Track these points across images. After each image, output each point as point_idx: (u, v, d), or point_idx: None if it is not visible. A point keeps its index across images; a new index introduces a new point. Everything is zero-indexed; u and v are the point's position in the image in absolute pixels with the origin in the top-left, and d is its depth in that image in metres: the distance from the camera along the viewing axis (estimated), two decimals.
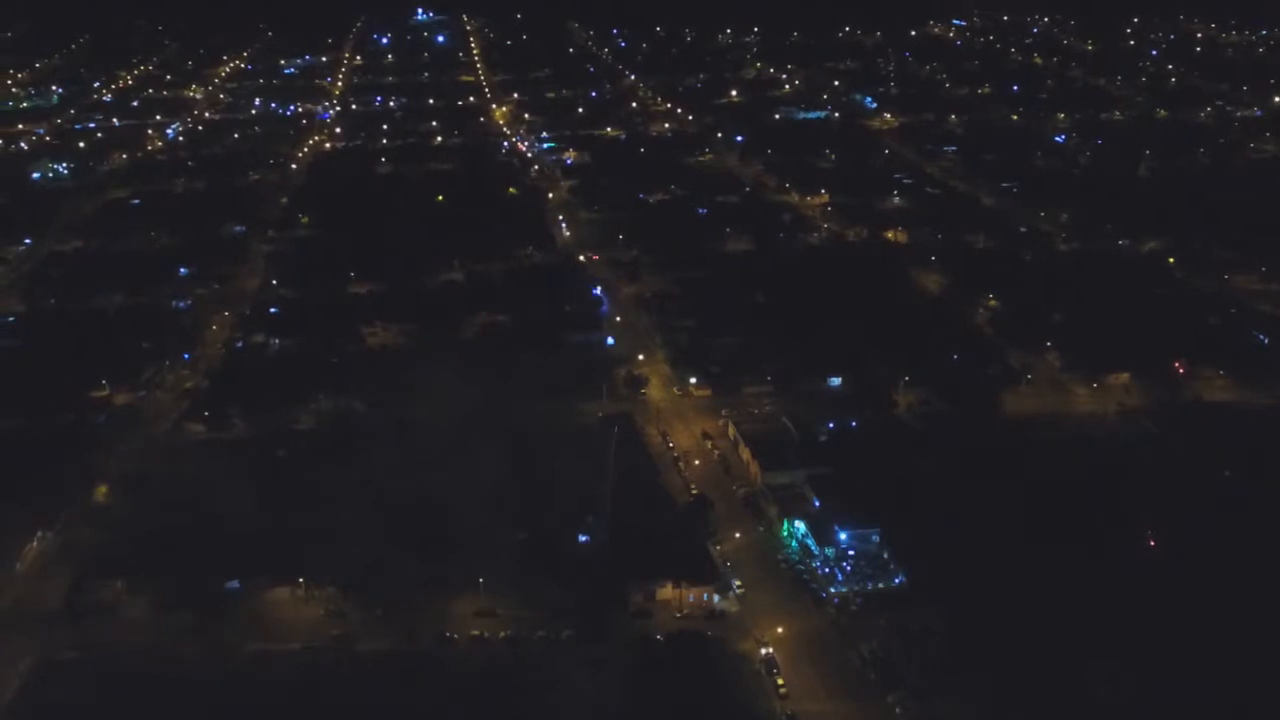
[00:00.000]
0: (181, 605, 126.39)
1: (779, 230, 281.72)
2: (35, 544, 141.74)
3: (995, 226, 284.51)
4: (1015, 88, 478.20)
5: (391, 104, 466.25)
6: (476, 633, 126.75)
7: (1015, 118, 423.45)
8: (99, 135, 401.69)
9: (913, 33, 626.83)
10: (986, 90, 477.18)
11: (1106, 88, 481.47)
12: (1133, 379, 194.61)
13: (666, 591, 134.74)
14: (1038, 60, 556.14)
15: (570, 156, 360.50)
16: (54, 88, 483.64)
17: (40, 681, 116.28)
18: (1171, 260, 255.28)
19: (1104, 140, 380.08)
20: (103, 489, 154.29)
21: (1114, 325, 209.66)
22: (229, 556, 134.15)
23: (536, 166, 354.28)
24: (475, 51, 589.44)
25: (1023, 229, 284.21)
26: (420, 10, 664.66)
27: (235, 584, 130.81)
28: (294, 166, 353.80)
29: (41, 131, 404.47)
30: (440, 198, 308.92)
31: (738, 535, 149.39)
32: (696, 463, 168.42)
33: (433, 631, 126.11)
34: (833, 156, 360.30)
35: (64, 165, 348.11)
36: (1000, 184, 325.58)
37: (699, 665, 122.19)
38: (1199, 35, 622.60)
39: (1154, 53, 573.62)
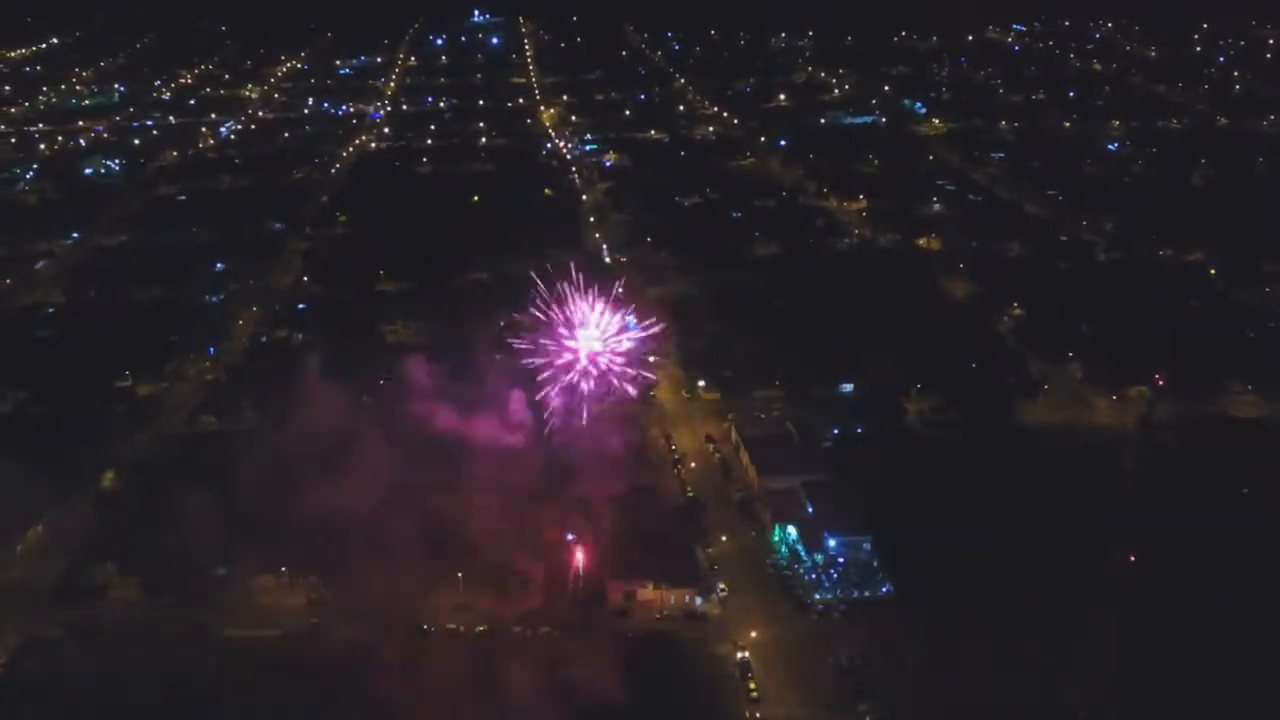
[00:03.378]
0: (169, 590, 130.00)
1: (810, 235, 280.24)
2: (41, 526, 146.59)
3: (1035, 234, 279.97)
4: (1071, 94, 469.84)
5: (442, 105, 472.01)
6: (453, 626, 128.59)
7: (1068, 125, 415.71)
8: (154, 133, 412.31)
9: (970, 38, 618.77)
10: (1041, 96, 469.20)
11: (1166, 95, 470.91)
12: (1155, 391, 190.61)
13: (648, 592, 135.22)
14: (1097, 66, 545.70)
15: (610, 159, 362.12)
16: (116, 86, 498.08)
17: (26, 658, 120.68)
18: (1213, 272, 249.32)
19: (1159, 148, 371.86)
20: (109, 475, 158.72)
21: (1142, 337, 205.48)
22: (222, 544, 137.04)
23: (575, 168, 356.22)
24: (529, 54, 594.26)
25: (1063, 237, 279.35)
26: (476, 12, 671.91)
27: (221, 571, 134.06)
28: (338, 166, 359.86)
29: (100, 129, 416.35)
30: (476, 198, 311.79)
31: (729, 539, 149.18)
32: (693, 465, 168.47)
33: (410, 623, 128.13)
34: (876, 162, 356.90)
35: (116, 161, 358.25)
36: (1046, 191, 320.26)
37: (671, 666, 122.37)
38: (1270, 41, 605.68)
39: (1221, 59, 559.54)
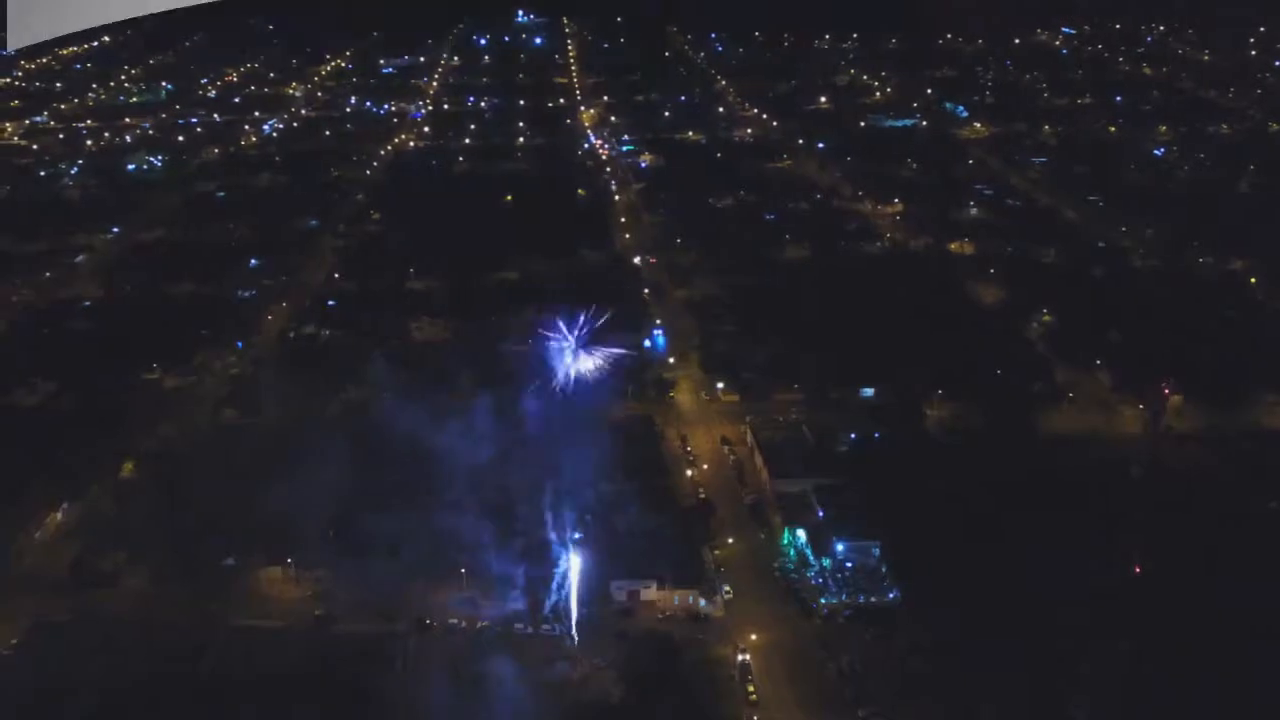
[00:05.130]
0: (177, 579, 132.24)
1: (841, 238, 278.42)
2: (59, 514, 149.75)
3: (1072, 240, 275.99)
4: (1118, 98, 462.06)
5: (483, 104, 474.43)
6: (454, 620, 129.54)
7: (1113, 129, 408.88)
8: (198, 130, 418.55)
9: (1016, 40, 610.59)
10: (1087, 100, 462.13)
11: (1217, 100, 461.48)
12: (1185, 401, 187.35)
13: (651, 592, 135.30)
14: (1146, 70, 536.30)
15: (645, 160, 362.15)
16: (164, 84, 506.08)
17: (34, 640, 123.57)
18: (1253, 281, 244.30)
19: (1206, 154, 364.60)
20: (129, 465, 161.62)
21: (1175, 346, 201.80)
22: (232, 535, 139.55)
23: (610, 169, 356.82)
24: (572, 54, 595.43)
25: (1101, 244, 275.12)
26: (521, 13, 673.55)
27: (231, 561, 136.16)
28: (375, 164, 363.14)
29: (146, 125, 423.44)
30: (509, 197, 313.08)
31: (737, 541, 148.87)
32: (705, 467, 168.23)
33: (413, 617, 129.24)
34: (914, 165, 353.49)
35: (158, 158, 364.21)
36: (1086, 197, 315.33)
37: (671, 667, 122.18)
38: None
39: (1278, 63, 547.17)
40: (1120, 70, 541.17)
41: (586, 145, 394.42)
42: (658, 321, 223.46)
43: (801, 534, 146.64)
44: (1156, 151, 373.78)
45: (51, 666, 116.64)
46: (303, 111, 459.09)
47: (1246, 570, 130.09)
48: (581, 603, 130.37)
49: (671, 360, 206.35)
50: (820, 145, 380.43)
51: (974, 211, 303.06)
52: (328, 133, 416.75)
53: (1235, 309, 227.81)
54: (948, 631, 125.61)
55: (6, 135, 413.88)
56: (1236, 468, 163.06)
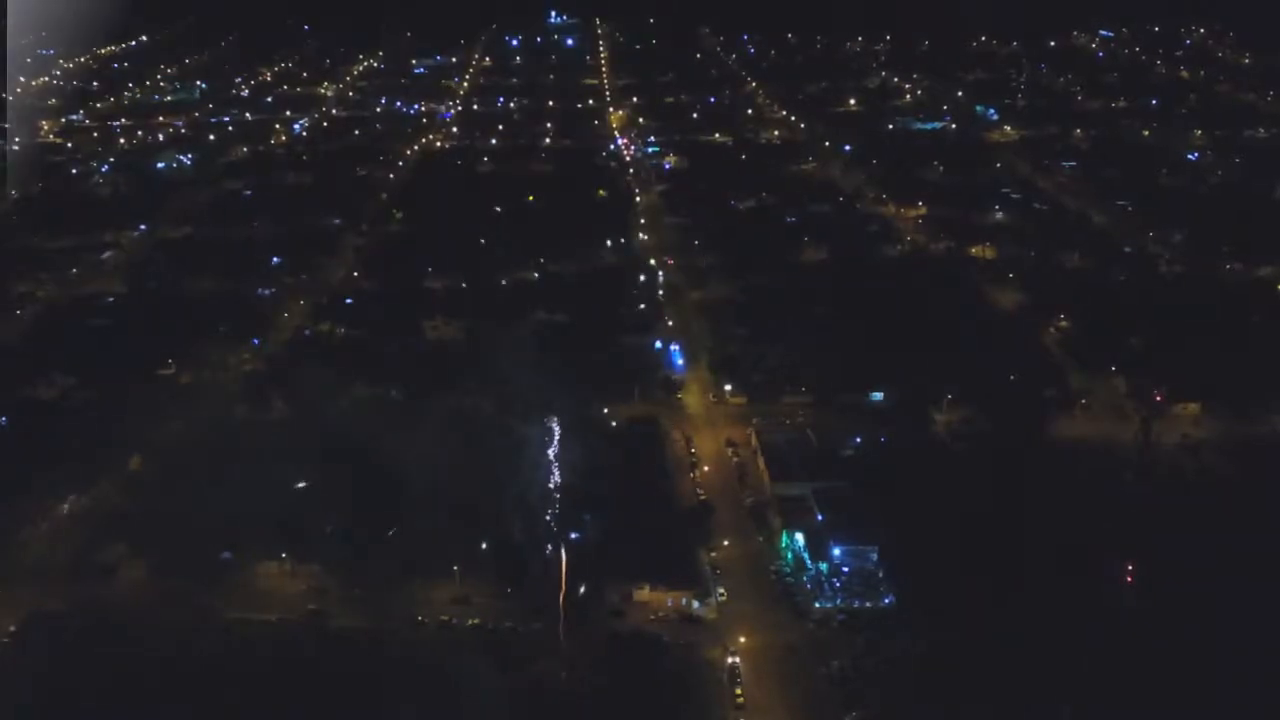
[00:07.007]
0: (175, 571, 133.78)
1: (861, 241, 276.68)
2: (66, 507, 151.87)
3: (1098, 245, 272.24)
4: (1154, 102, 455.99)
5: (512, 105, 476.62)
6: (446, 618, 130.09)
7: (1147, 133, 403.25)
8: (230, 129, 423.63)
9: (1051, 43, 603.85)
10: (1121, 104, 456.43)
11: (1255, 104, 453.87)
12: (1204, 410, 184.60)
13: (644, 593, 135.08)
14: (1184, 74, 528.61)
15: (669, 161, 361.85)
16: (198, 82, 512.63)
17: (30, 629, 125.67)
18: None
19: (1243, 159, 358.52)
20: (137, 459, 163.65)
21: (1196, 353, 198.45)
22: (233, 529, 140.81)
23: (633, 170, 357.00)
24: (603, 55, 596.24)
25: (1127, 249, 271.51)
26: (553, 13, 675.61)
27: (228, 555, 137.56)
28: (401, 164, 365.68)
29: (180, 124, 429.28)
30: (531, 197, 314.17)
31: (735, 544, 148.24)
32: (706, 469, 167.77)
33: (405, 614, 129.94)
34: (941, 169, 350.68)
35: (187, 156, 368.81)
36: (1116, 202, 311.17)
37: (660, 668, 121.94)
38: None
39: None
40: (1157, 73, 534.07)
41: (613, 146, 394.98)
42: (670, 323, 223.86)
43: (800, 537, 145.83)
44: (1190, 155, 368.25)
45: (46, 656, 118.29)
46: (333, 111, 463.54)
47: (1244, 579, 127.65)
48: (574, 602, 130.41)
49: (681, 361, 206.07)
50: (846, 148, 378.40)
51: (999, 215, 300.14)
52: (357, 132, 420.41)
53: (1261, 316, 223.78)
54: (942, 637, 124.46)
55: (44, 132, 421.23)
56: (1243, 476, 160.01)
